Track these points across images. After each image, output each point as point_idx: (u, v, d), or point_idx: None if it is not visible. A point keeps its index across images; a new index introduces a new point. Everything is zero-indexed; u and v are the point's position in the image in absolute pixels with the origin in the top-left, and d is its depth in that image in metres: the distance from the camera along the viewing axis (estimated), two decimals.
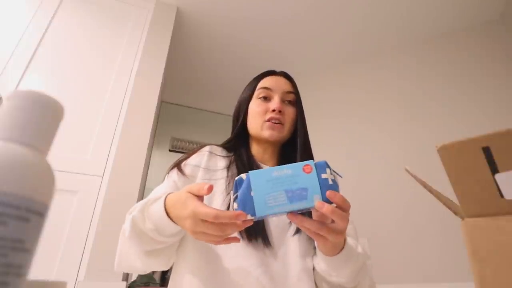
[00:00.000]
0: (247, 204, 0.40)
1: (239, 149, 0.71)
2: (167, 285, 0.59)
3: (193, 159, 0.67)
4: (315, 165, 0.42)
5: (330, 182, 0.42)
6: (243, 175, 0.43)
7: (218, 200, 0.59)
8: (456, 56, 1.93)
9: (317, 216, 0.43)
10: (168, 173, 0.66)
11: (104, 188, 1.25)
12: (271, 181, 0.41)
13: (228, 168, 0.65)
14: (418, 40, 2.08)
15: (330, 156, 2.01)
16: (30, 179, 0.18)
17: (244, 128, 0.74)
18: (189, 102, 2.77)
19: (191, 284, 0.53)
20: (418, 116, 1.86)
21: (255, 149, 0.73)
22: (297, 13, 1.92)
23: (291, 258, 0.57)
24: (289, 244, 0.58)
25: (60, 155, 1.21)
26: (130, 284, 1.51)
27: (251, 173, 0.42)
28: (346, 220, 0.41)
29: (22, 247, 0.16)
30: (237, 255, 0.54)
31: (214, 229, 0.40)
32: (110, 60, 1.53)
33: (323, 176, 0.42)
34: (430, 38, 2.05)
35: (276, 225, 0.59)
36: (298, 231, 0.59)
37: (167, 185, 0.62)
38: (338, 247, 0.48)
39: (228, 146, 0.73)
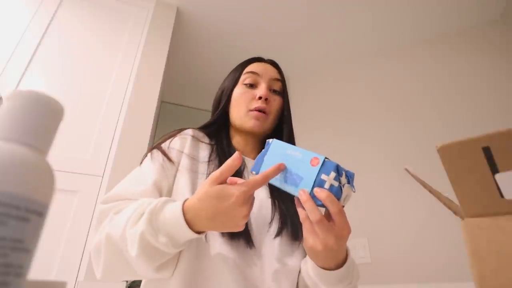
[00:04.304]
0: (258, 162, 0.47)
1: (220, 139, 0.67)
2: None
3: (176, 143, 0.61)
4: (324, 162, 0.41)
5: (326, 186, 0.40)
6: (270, 140, 0.48)
7: None
8: (457, 56, 1.93)
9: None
10: (147, 156, 0.60)
11: (104, 188, 1.25)
12: (282, 156, 0.44)
13: (209, 161, 0.61)
14: (419, 40, 2.08)
15: (330, 156, 2.01)
16: (30, 179, 0.18)
17: (225, 116, 0.70)
18: (189, 102, 2.77)
19: (172, 284, 0.50)
20: (418, 116, 1.86)
21: (237, 140, 0.70)
22: (298, 13, 1.92)
23: (272, 260, 0.54)
24: (270, 246, 0.55)
25: (60, 155, 1.21)
26: (130, 284, 1.51)
27: (274, 141, 0.47)
28: (321, 224, 0.39)
29: (22, 247, 0.16)
30: (218, 254, 0.51)
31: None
32: (110, 60, 1.53)
33: (323, 177, 0.40)
34: (431, 38, 2.05)
35: (257, 225, 0.56)
36: (279, 233, 0.56)
37: (154, 169, 0.56)
38: (330, 259, 0.45)
39: (208, 132, 0.68)
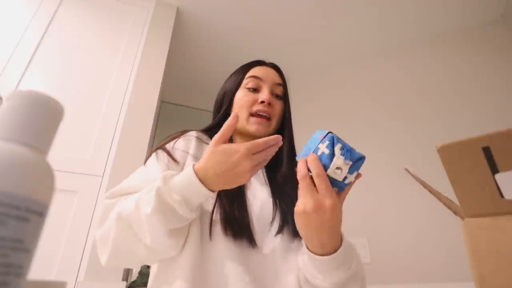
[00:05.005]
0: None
1: None
2: None
3: (180, 144, 0.62)
4: (326, 135, 0.44)
5: (318, 153, 0.43)
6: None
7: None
8: (457, 56, 1.93)
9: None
10: (152, 156, 0.61)
11: (104, 188, 1.25)
12: (311, 138, 0.48)
13: None
14: (419, 40, 2.08)
15: None
16: (30, 179, 0.18)
17: (227, 118, 0.71)
18: (189, 102, 2.77)
19: (175, 285, 0.50)
20: (418, 116, 1.86)
21: (238, 142, 0.71)
22: (298, 13, 1.92)
23: (273, 257, 0.55)
24: (271, 243, 0.56)
25: (60, 155, 1.21)
26: (130, 284, 1.51)
27: (316, 131, 0.50)
28: (304, 180, 0.43)
29: (22, 247, 0.16)
30: (222, 251, 0.52)
31: (264, 155, 0.45)
32: (110, 60, 1.53)
33: (319, 145, 0.44)
34: (430, 39, 2.05)
35: (259, 225, 0.57)
36: (280, 230, 0.57)
37: (160, 169, 0.57)
38: (324, 244, 0.44)
39: (210, 134, 0.68)
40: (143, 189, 0.50)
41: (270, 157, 0.47)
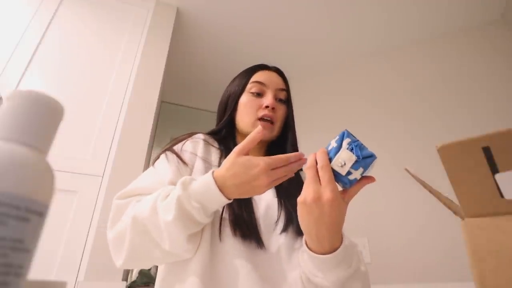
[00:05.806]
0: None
1: (227, 144, 0.69)
2: None
3: (188, 146, 0.64)
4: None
5: (329, 148, 0.45)
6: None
7: None
8: (457, 56, 1.93)
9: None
10: (161, 157, 0.61)
11: (104, 188, 1.25)
12: None
13: (219, 166, 0.62)
14: (419, 41, 2.08)
15: None
16: (30, 179, 0.18)
17: (232, 122, 0.73)
18: (189, 102, 2.77)
19: (187, 283, 0.51)
20: (418, 116, 1.86)
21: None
22: (296, 13, 1.92)
23: (280, 256, 0.56)
24: (277, 242, 0.57)
25: (60, 155, 1.21)
26: (130, 284, 1.51)
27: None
28: (310, 170, 0.44)
29: (22, 247, 0.16)
30: (231, 252, 0.53)
31: (284, 171, 0.45)
32: (110, 60, 1.53)
33: (331, 141, 0.45)
34: (431, 38, 2.05)
35: (265, 226, 0.58)
36: (285, 229, 0.58)
37: (170, 170, 0.57)
38: (322, 238, 0.44)
39: (217, 138, 0.71)
40: (155, 190, 0.51)
41: (291, 174, 0.47)
